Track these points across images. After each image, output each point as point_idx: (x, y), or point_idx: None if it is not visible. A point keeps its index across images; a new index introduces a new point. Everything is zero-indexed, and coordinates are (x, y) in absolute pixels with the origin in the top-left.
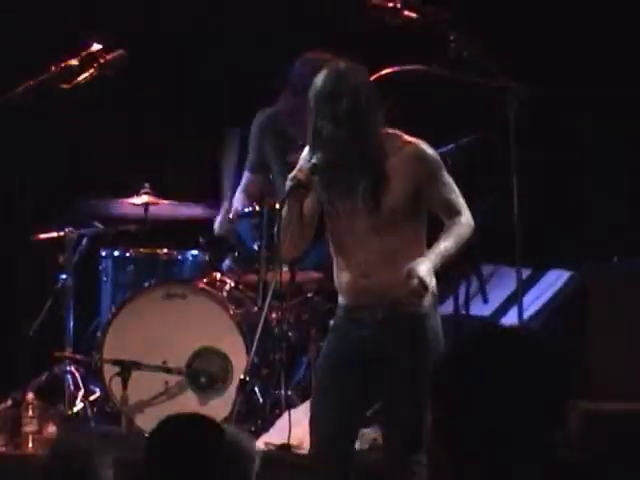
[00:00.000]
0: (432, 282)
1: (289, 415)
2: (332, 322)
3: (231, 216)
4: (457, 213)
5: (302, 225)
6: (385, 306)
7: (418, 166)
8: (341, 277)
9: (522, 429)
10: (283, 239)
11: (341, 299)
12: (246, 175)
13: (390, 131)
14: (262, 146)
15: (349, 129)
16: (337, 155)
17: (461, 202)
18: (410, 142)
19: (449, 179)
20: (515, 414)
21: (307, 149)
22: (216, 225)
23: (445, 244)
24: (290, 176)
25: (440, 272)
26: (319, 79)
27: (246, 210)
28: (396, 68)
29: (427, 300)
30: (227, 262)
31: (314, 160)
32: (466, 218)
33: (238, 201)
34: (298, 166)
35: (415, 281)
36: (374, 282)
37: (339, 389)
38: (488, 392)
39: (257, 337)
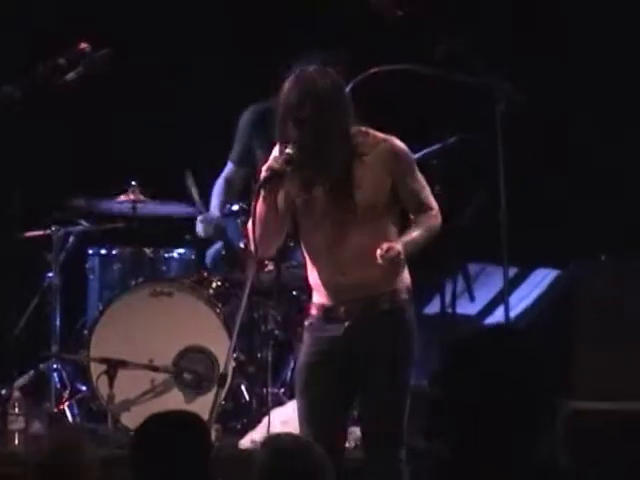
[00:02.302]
0: (404, 264)
1: (269, 416)
2: (307, 321)
3: (213, 209)
4: (428, 209)
5: (277, 218)
6: (361, 302)
7: (392, 162)
8: (316, 276)
9: (511, 427)
10: (259, 233)
11: (316, 297)
12: (229, 167)
13: (362, 129)
14: (251, 141)
15: (311, 133)
16: (303, 155)
17: (432, 199)
18: (383, 139)
19: (420, 176)
20: (505, 413)
21: (276, 149)
22: (199, 228)
23: (416, 233)
24: (264, 167)
25: (426, 270)
26: (286, 84)
27: (233, 208)
28: (381, 67)
29: (402, 295)
30: (210, 256)
31: (289, 150)
32: (436, 213)
33: (218, 192)
34: (272, 157)
35: (392, 252)
36: (351, 279)
37: (319, 389)
38: (482, 392)
39: (235, 332)
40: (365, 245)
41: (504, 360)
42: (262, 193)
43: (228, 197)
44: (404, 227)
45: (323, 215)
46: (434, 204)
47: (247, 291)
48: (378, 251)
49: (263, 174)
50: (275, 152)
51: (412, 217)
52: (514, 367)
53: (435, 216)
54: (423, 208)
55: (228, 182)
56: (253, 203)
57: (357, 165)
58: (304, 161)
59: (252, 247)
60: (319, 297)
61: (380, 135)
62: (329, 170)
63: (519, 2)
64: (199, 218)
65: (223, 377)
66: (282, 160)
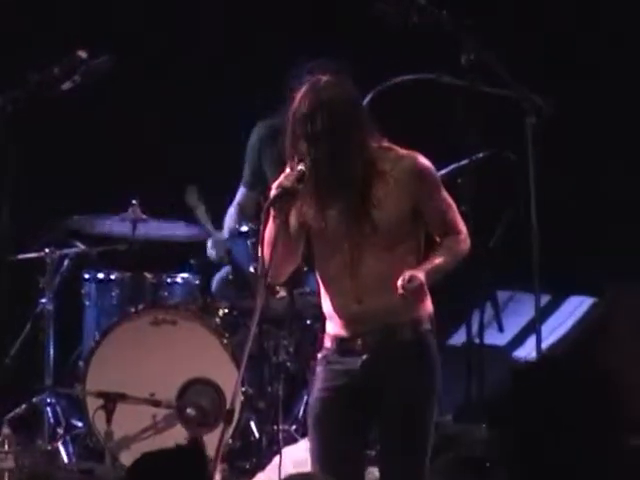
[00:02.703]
0: (425, 290)
1: (280, 456)
2: (320, 354)
3: (225, 234)
4: (455, 232)
5: (288, 240)
6: (379, 333)
7: (415, 181)
8: (331, 303)
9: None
10: (268, 256)
11: (330, 327)
12: (241, 191)
13: (384, 145)
14: (260, 159)
15: (325, 149)
16: (317, 174)
17: (459, 220)
18: (406, 155)
19: (447, 195)
20: (573, 445)
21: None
22: (210, 251)
23: (440, 260)
24: (275, 184)
25: (451, 298)
26: (297, 97)
27: (242, 229)
28: (405, 77)
29: (424, 325)
30: (216, 282)
31: (301, 167)
32: (464, 237)
33: (231, 218)
34: (283, 174)
35: (415, 283)
36: (368, 308)
37: (333, 427)
38: (548, 424)
39: (243, 363)
40: (384, 271)
41: (571, 390)
42: (272, 213)
43: (241, 223)
44: (428, 254)
45: (338, 237)
46: (462, 226)
47: (256, 319)
48: (399, 281)
49: (273, 192)
50: (287, 169)
51: (437, 240)
52: (582, 397)
53: (463, 240)
54: (449, 231)
55: (241, 207)
56: (262, 224)
57: (376, 183)
58: (317, 179)
59: (261, 271)
60: (333, 327)
61: (402, 151)
62: (345, 189)
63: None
64: (210, 242)
65: (230, 413)
66: (294, 177)
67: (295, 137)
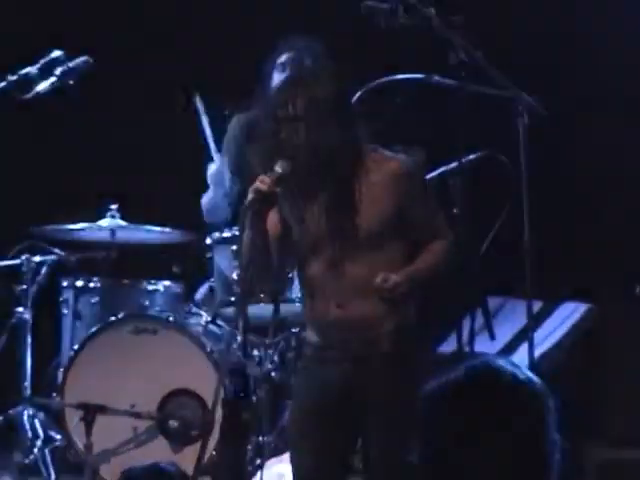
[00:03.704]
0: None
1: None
2: (300, 364)
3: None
4: (441, 236)
5: (267, 246)
6: (360, 341)
7: (400, 184)
8: (311, 309)
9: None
10: (246, 262)
11: (310, 335)
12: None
13: (369, 146)
14: (243, 152)
15: (307, 131)
16: (297, 160)
17: (445, 226)
18: (392, 158)
19: (433, 199)
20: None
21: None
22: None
23: (423, 264)
24: (251, 188)
25: (441, 304)
26: (280, 80)
27: (224, 235)
28: (392, 77)
29: (407, 333)
30: (202, 290)
31: (278, 168)
32: (450, 243)
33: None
34: (259, 178)
35: (390, 284)
36: (348, 313)
37: (312, 441)
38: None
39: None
40: (366, 276)
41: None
42: (248, 218)
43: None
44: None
45: (319, 240)
46: (448, 232)
47: (241, 328)
48: (376, 280)
49: (249, 196)
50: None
51: (422, 246)
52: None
53: (449, 246)
54: (435, 235)
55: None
56: (240, 229)
57: (359, 185)
58: (297, 169)
59: (242, 278)
60: (313, 335)
61: (387, 153)
62: (328, 180)
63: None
64: (216, 159)
65: (210, 424)
66: (271, 181)
67: (273, 122)
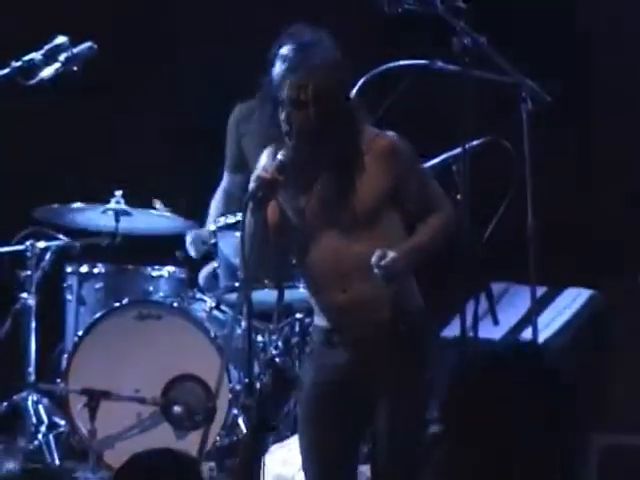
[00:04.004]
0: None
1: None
2: (308, 349)
3: (210, 221)
4: (437, 208)
5: (267, 234)
6: (368, 326)
7: (391, 160)
8: (316, 295)
9: (537, 461)
10: (249, 250)
11: (317, 320)
12: (225, 176)
13: (362, 127)
14: (241, 142)
15: (315, 117)
16: (301, 145)
17: (442, 196)
18: (382, 136)
19: (426, 173)
20: (529, 446)
21: (265, 154)
22: (190, 250)
23: (420, 239)
24: (253, 177)
25: (444, 289)
26: (281, 65)
27: (228, 221)
28: (396, 63)
29: (415, 315)
30: (204, 274)
31: (280, 157)
32: (449, 213)
33: (217, 205)
34: (261, 167)
35: (387, 261)
36: (353, 297)
37: (321, 425)
38: (500, 421)
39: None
40: (367, 259)
41: (523, 385)
42: (250, 206)
43: (228, 208)
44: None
45: (318, 227)
46: (444, 203)
47: (246, 313)
48: (372, 259)
49: (251, 185)
50: (264, 158)
51: (421, 219)
52: (535, 392)
53: (447, 217)
54: (432, 208)
55: (226, 193)
56: (243, 218)
57: (355, 169)
58: (300, 155)
59: (243, 267)
60: (321, 320)
61: (376, 131)
62: (325, 165)
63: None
64: (188, 241)
65: (213, 409)
66: (273, 168)
67: (277, 106)
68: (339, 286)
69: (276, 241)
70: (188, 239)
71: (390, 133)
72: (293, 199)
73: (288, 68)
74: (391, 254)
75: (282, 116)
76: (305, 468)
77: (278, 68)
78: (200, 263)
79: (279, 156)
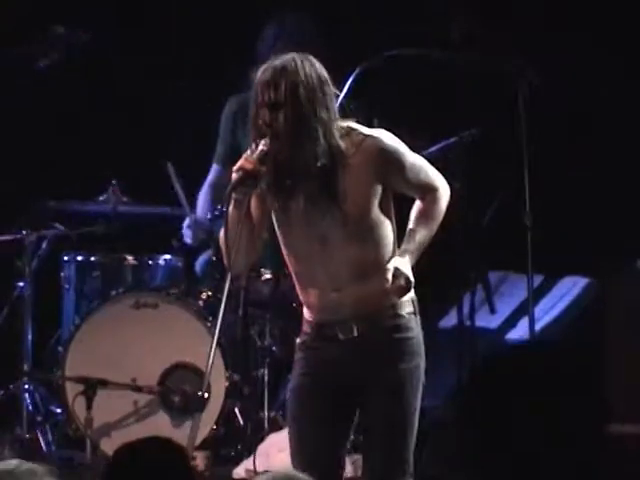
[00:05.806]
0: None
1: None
2: (299, 340)
3: (199, 214)
4: (431, 190)
5: (251, 227)
6: (360, 321)
7: (381, 162)
8: (305, 292)
9: (555, 453)
10: (228, 243)
11: (308, 314)
12: (214, 169)
13: (344, 125)
14: (234, 136)
15: (287, 118)
16: (277, 148)
17: (432, 176)
18: (368, 135)
19: (414, 158)
20: (548, 437)
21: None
22: (187, 235)
23: (419, 235)
24: (235, 167)
25: (442, 279)
26: (261, 68)
27: (224, 209)
28: (392, 52)
29: (406, 309)
30: (201, 262)
31: (262, 147)
32: (442, 190)
33: (204, 200)
34: (243, 156)
35: (402, 281)
36: (346, 295)
37: (312, 416)
38: (518, 415)
39: (213, 344)
40: (358, 258)
41: (533, 380)
42: (233, 197)
43: (217, 203)
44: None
45: (303, 228)
46: (436, 180)
47: (223, 305)
48: (388, 277)
49: (234, 176)
50: (248, 151)
51: (417, 202)
52: (545, 388)
53: (441, 195)
54: (427, 190)
55: (214, 187)
56: (225, 209)
57: (341, 173)
58: (278, 154)
59: (226, 261)
60: (311, 314)
61: (364, 131)
62: (307, 168)
63: None
64: (185, 223)
65: (202, 398)
66: (255, 158)
67: (258, 107)
68: (332, 286)
69: (259, 235)
70: (185, 223)
71: (377, 133)
72: (276, 197)
73: (261, 68)
74: (403, 273)
75: (259, 117)
76: (292, 455)
77: (260, 70)
78: (197, 251)
79: (261, 145)
